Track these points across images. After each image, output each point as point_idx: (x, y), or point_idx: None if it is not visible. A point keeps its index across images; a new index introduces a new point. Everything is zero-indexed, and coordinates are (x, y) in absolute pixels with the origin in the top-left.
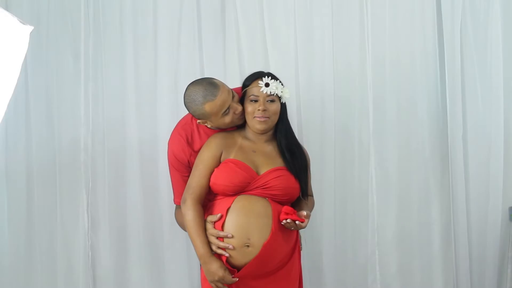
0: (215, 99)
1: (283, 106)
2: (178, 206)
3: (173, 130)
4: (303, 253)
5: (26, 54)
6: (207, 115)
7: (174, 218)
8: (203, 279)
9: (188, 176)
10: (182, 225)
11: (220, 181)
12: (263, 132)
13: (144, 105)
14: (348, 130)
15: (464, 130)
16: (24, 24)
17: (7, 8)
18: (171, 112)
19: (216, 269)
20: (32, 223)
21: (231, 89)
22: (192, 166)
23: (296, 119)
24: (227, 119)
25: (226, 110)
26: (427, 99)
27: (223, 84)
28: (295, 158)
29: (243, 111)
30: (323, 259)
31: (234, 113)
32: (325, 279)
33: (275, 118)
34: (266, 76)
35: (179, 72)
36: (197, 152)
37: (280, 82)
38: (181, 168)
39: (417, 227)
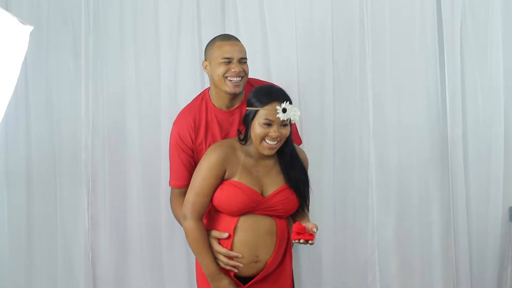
0: (227, 41)
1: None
2: (174, 189)
3: (180, 113)
4: (303, 252)
5: (26, 54)
6: (212, 52)
7: (171, 212)
8: (200, 276)
9: (189, 163)
10: (177, 214)
11: (224, 204)
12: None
13: (145, 104)
14: (348, 130)
15: (464, 129)
16: (24, 24)
17: (7, 8)
18: (172, 111)
19: (226, 286)
20: (32, 222)
21: (246, 60)
22: (195, 156)
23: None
24: (221, 69)
25: (227, 59)
26: (427, 99)
27: (243, 46)
28: (295, 174)
29: (243, 87)
30: (323, 259)
31: (230, 69)
32: (324, 279)
33: (283, 141)
34: (285, 101)
35: (179, 71)
36: (200, 140)
37: (291, 102)
38: (183, 149)
39: (417, 227)
